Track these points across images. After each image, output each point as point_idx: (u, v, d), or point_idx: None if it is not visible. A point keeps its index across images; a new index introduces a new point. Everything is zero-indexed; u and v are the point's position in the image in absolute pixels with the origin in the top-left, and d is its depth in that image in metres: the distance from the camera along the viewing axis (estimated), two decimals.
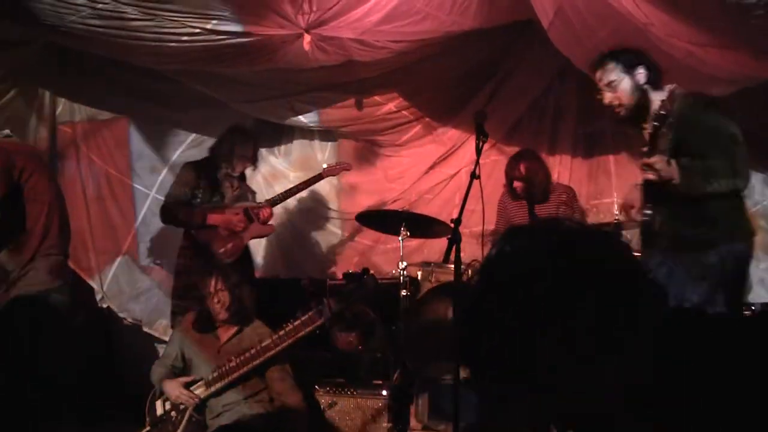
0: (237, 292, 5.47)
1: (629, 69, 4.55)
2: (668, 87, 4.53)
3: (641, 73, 4.53)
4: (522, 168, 6.75)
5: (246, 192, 6.96)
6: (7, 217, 4.93)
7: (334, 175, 7.57)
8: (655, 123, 4.38)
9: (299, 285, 7.62)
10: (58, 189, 5.40)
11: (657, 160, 4.34)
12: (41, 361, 4.89)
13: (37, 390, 4.85)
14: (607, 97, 4.64)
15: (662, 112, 4.37)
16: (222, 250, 6.53)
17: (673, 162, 4.32)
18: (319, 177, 7.32)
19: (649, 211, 4.49)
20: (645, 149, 4.53)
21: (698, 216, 4.38)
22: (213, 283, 5.44)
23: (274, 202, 7.00)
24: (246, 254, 6.89)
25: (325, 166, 7.45)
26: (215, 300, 5.40)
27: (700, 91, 4.77)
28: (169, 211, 6.69)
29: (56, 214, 5.14)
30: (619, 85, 4.56)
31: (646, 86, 4.53)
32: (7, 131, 5.27)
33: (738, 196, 4.44)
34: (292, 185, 7.45)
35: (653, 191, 4.45)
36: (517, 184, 6.78)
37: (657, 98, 4.49)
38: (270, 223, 6.95)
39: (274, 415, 5.23)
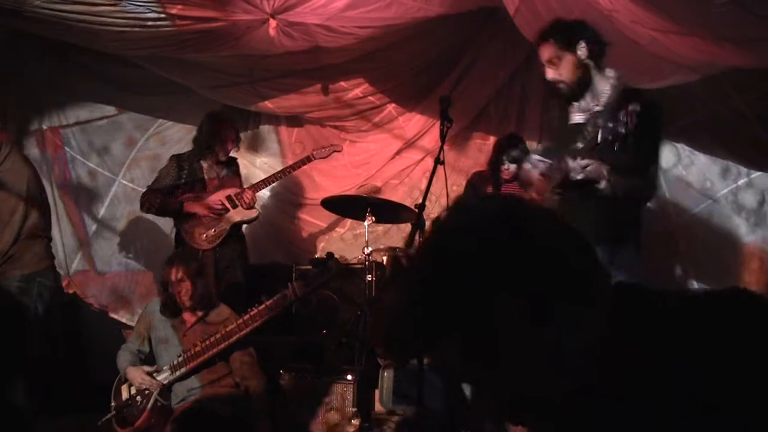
0: (199, 280, 5.46)
1: (569, 44, 4.35)
2: (613, 74, 4.36)
3: (582, 48, 4.33)
4: (515, 152, 6.64)
5: (232, 180, 6.97)
6: None
7: (324, 158, 7.48)
8: (592, 115, 4.26)
9: (267, 270, 7.64)
10: (34, 171, 5.38)
11: (588, 163, 4.28)
12: (27, 349, 4.87)
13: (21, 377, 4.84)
14: (549, 73, 4.45)
15: (596, 107, 4.28)
16: (204, 236, 6.56)
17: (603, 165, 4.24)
18: (307, 159, 7.32)
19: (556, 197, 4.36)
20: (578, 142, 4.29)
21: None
22: (174, 272, 5.44)
23: (256, 187, 6.97)
24: (237, 238, 6.91)
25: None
26: (178, 289, 5.40)
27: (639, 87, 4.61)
28: (146, 199, 6.72)
29: (36, 196, 5.14)
30: (560, 61, 4.38)
31: (587, 61, 4.35)
32: None
33: None
34: (258, 171, 7.44)
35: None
36: (506, 165, 6.71)
37: (601, 76, 4.36)
38: (255, 207, 6.93)
39: (239, 399, 5.25)
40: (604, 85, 4.34)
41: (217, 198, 6.63)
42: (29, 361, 4.84)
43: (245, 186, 7.05)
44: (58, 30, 6.56)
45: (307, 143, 8.43)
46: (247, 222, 6.94)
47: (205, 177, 6.81)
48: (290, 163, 7.56)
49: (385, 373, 5.66)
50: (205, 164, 6.83)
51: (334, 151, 7.50)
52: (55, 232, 7.94)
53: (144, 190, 6.93)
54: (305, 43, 6.68)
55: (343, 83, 7.98)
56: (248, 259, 7.14)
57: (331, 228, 8.53)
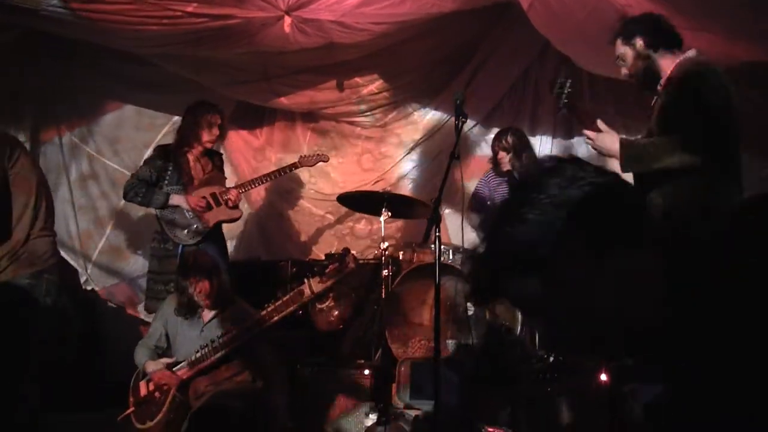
0: (215, 278, 5.48)
1: (628, 40, 4.55)
2: (684, 54, 4.49)
3: (639, 41, 4.50)
4: (508, 139, 6.77)
5: (217, 176, 6.87)
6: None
7: (310, 166, 7.46)
8: (654, 92, 4.46)
9: (281, 267, 7.66)
10: (41, 172, 5.43)
11: (592, 135, 4.40)
12: (33, 345, 4.92)
13: (30, 375, 4.88)
14: (621, 71, 4.68)
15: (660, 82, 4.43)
16: (186, 231, 6.53)
17: (616, 138, 4.39)
18: (294, 166, 7.22)
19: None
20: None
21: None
22: (190, 272, 5.47)
23: (242, 187, 6.89)
24: (217, 237, 6.83)
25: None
26: (196, 290, 5.42)
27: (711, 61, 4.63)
28: (130, 188, 6.62)
29: (43, 195, 5.17)
30: (624, 57, 4.58)
31: (648, 51, 4.50)
32: None
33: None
34: (274, 167, 7.44)
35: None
36: (501, 155, 6.78)
37: (666, 59, 4.48)
38: (239, 207, 6.84)
39: (256, 393, 5.27)
40: (669, 65, 4.47)
41: (200, 196, 6.58)
42: (40, 357, 4.92)
43: (226, 181, 6.98)
44: (73, 29, 6.60)
45: (322, 139, 8.49)
46: (230, 221, 6.89)
47: (191, 170, 6.70)
48: None
49: (402, 368, 5.69)
50: (190, 156, 6.71)
51: (320, 161, 7.40)
52: (72, 229, 8.02)
53: None
54: (320, 39, 6.70)
55: (357, 79, 8.00)
56: (228, 258, 7.07)
57: (344, 223, 8.56)
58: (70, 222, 8.16)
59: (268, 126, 8.90)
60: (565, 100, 4.91)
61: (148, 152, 7.89)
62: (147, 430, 5.40)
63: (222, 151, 7.31)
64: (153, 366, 5.44)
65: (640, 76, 4.58)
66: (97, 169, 8.36)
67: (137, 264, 8.25)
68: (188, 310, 5.54)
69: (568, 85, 4.90)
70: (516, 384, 5.08)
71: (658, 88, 4.50)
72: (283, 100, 8.22)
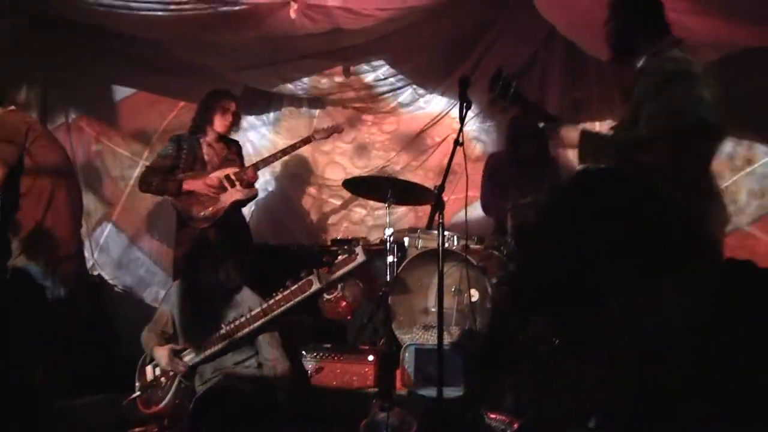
0: (222, 269, 5.51)
1: (615, 17, 4.52)
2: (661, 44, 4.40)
3: (627, 20, 4.46)
4: (528, 130, 6.65)
5: (233, 161, 6.89)
6: (16, 188, 4.99)
7: (325, 138, 7.42)
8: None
9: (288, 251, 7.68)
10: (65, 154, 5.43)
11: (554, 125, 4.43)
12: (45, 332, 4.95)
13: (42, 362, 4.92)
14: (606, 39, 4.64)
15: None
16: (202, 214, 6.55)
17: (577, 131, 4.37)
18: (308, 140, 7.22)
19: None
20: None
21: None
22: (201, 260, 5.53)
23: (257, 165, 6.89)
24: (238, 219, 6.91)
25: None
26: (220, 275, 5.48)
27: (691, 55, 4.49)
28: (144, 179, 6.72)
29: (64, 178, 5.19)
30: (608, 31, 4.56)
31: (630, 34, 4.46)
32: (12, 107, 5.31)
33: None
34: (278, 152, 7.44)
35: None
36: (523, 145, 6.75)
37: (649, 48, 4.41)
38: (255, 186, 6.89)
39: (263, 380, 5.29)
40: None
41: (215, 176, 6.61)
42: (52, 342, 4.95)
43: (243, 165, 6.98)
44: (81, 14, 6.63)
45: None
46: (246, 201, 6.91)
47: (205, 156, 6.75)
48: None
49: (407, 354, 5.71)
50: (204, 143, 6.77)
51: (335, 132, 7.40)
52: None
53: None
54: (326, 24, 6.72)
55: (364, 65, 8.01)
56: (251, 239, 7.16)
57: (350, 208, 8.58)
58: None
59: (275, 111, 8.92)
60: (513, 97, 4.79)
61: (155, 138, 7.94)
62: (152, 415, 5.42)
63: None
64: (160, 351, 5.46)
65: (618, 50, 4.54)
66: (104, 154, 8.38)
67: (144, 249, 8.29)
68: (194, 299, 5.57)
69: (511, 79, 4.81)
70: (520, 370, 5.09)
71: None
72: (290, 86, 8.23)
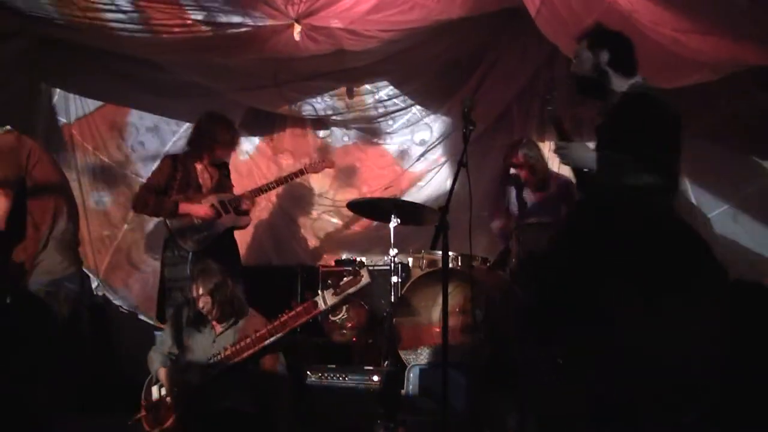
0: (218, 294, 5.52)
1: (596, 49, 4.55)
2: (636, 79, 4.54)
3: (605, 55, 4.51)
4: (520, 155, 6.79)
5: (225, 184, 6.89)
6: (18, 210, 5.00)
7: (316, 173, 7.51)
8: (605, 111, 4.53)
9: (291, 272, 7.69)
10: (63, 175, 5.46)
11: (564, 145, 4.44)
12: (50, 354, 4.95)
13: (44, 383, 4.92)
14: (572, 66, 4.75)
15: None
16: (195, 237, 6.54)
17: (591, 150, 4.41)
18: (300, 172, 7.21)
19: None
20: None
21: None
22: (195, 288, 5.55)
23: (252, 193, 6.87)
24: (229, 244, 6.84)
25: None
26: (200, 304, 5.50)
27: (658, 86, 4.77)
28: (139, 199, 6.70)
29: (64, 199, 5.20)
30: (582, 60, 4.61)
31: (606, 68, 4.52)
32: (8, 126, 5.33)
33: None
34: (284, 173, 7.46)
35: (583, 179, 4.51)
36: (514, 171, 6.82)
37: (622, 84, 4.51)
38: (248, 215, 6.90)
39: (265, 402, 5.30)
40: (620, 86, 4.54)
41: (210, 204, 6.58)
42: (55, 363, 4.95)
43: (233, 189, 6.99)
44: (88, 37, 6.67)
45: (333, 146, 8.54)
46: (238, 228, 6.89)
47: (199, 179, 6.72)
48: None
49: (411, 374, 5.71)
50: (199, 166, 6.74)
51: (327, 167, 7.41)
52: (84, 234, 8.05)
53: None
54: (329, 46, 6.76)
55: (367, 86, 8.05)
56: (239, 263, 7.00)
57: (354, 229, 8.59)
58: (83, 228, 8.19)
59: (278, 132, 8.94)
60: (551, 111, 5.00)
61: (159, 159, 7.95)
62: None
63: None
64: (164, 373, 5.48)
65: (586, 83, 4.63)
66: (109, 175, 8.40)
67: (148, 269, 8.30)
68: (197, 321, 5.60)
69: (555, 96, 5.01)
70: (524, 389, 5.09)
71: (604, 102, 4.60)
72: (293, 107, 8.25)
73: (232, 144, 6.83)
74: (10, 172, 5.03)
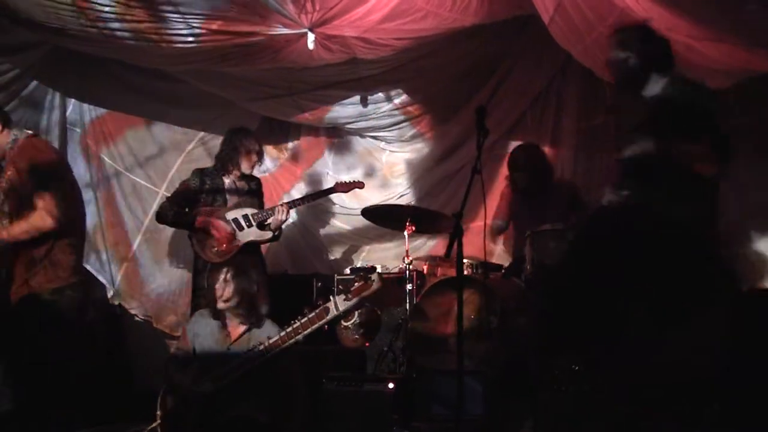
0: (245, 292, 5.52)
1: (631, 43, 4.68)
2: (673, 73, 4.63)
3: (643, 49, 4.64)
4: (523, 160, 6.82)
5: (250, 199, 6.91)
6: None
7: (346, 192, 7.43)
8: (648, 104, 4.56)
9: (307, 280, 7.70)
10: (75, 184, 5.49)
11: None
12: (52, 359, 4.97)
13: (47, 388, 4.94)
14: (610, 59, 4.84)
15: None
16: (215, 249, 6.58)
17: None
18: (331, 190, 7.27)
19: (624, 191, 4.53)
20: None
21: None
22: (225, 270, 5.55)
23: (285, 206, 6.83)
24: (252, 259, 6.71)
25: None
26: (221, 289, 5.49)
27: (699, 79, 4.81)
28: (161, 211, 6.79)
29: (75, 208, 5.23)
30: (619, 51, 4.72)
31: (647, 61, 4.64)
32: (30, 131, 5.36)
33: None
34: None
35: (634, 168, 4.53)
36: (517, 175, 6.83)
37: (658, 80, 4.61)
38: (276, 230, 6.87)
39: (280, 409, 5.30)
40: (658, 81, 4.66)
41: (223, 221, 6.61)
42: (57, 371, 4.97)
43: (258, 204, 7.00)
44: (102, 47, 6.70)
45: (346, 154, 8.55)
46: (260, 243, 6.90)
47: (226, 195, 6.80)
48: None
49: (426, 381, 5.71)
50: (227, 180, 6.83)
51: (356, 187, 7.35)
52: (99, 245, 8.09)
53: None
54: (343, 55, 6.78)
55: (381, 94, 8.06)
56: (265, 277, 6.79)
57: (369, 237, 8.60)
58: (98, 237, 8.24)
59: (293, 141, 8.96)
60: None
61: (174, 169, 8.01)
62: None
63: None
64: (179, 380, 5.49)
65: (622, 79, 4.79)
66: (124, 185, 8.44)
67: (164, 279, 8.32)
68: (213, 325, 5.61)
69: None
70: (539, 395, 5.09)
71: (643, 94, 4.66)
72: (308, 116, 8.29)
73: (256, 152, 6.89)
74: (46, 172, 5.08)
